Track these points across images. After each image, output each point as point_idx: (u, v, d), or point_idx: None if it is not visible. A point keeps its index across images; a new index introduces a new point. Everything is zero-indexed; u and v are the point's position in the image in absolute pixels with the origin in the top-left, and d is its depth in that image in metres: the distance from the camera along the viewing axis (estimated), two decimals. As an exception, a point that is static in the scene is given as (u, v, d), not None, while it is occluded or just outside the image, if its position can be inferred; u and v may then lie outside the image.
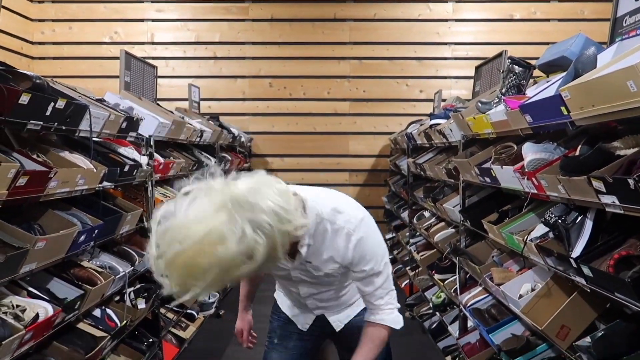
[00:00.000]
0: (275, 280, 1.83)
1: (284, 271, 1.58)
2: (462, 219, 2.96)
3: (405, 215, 4.85)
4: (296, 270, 1.53)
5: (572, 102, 1.63)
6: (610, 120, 1.53)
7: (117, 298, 2.78)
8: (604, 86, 1.45)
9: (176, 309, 3.77)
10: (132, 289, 2.85)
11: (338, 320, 1.76)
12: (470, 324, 3.00)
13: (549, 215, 1.87)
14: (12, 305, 1.84)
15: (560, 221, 1.80)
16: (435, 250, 3.89)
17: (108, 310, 2.61)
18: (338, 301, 1.73)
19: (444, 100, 4.89)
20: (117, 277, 2.50)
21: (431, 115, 4.08)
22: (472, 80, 4.31)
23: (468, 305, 2.84)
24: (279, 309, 1.86)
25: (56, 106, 1.96)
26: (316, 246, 1.42)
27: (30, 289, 2.03)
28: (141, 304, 2.86)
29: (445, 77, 5.99)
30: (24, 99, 1.74)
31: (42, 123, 1.92)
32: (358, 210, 1.47)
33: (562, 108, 1.70)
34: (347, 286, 1.72)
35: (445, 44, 5.99)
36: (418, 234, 4.42)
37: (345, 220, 1.42)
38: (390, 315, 1.53)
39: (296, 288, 1.67)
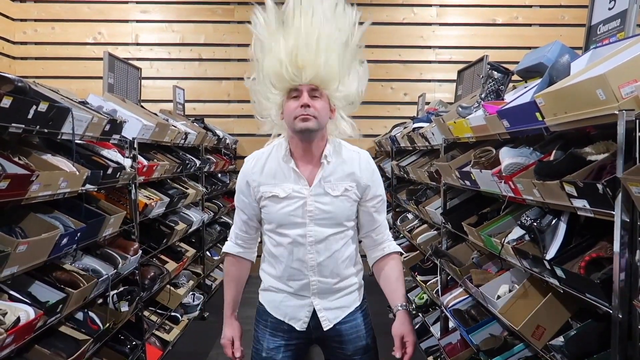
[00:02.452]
0: (263, 271, 1.75)
1: (299, 201, 1.60)
2: (444, 221, 3.01)
3: (389, 217, 4.90)
4: (312, 197, 1.61)
5: (546, 109, 1.68)
6: (583, 126, 1.59)
7: (100, 301, 2.77)
8: (576, 94, 1.50)
9: (160, 311, 3.77)
10: (115, 291, 2.85)
11: (327, 320, 1.69)
12: (451, 324, 3.05)
13: (524, 218, 1.92)
14: (-7, 309, 1.83)
15: (535, 224, 1.85)
16: (418, 252, 3.95)
17: (91, 313, 2.60)
18: (337, 267, 1.67)
19: (427, 104, 4.95)
20: (100, 280, 2.49)
21: (414, 119, 4.13)
22: (455, 84, 4.38)
23: (449, 306, 2.89)
24: (266, 314, 1.74)
25: (38, 109, 1.96)
26: (335, 164, 1.64)
27: (12, 292, 2.02)
28: (124, 307, 2.85)
29: (429, 81, 6.06)
30: (6, 102, 1.74)
31: (24, 126, 1.92)
32: None
33: (537, 114, 1.75)
34: (350, 246, 1.69)
35: (430, 47, 6.05)
36: (402, 235, 4.47)
37: (358, 148, 1.73)
38: (395, 244, 1.78)
39: (302, 231, 1.62)
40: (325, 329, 1.69)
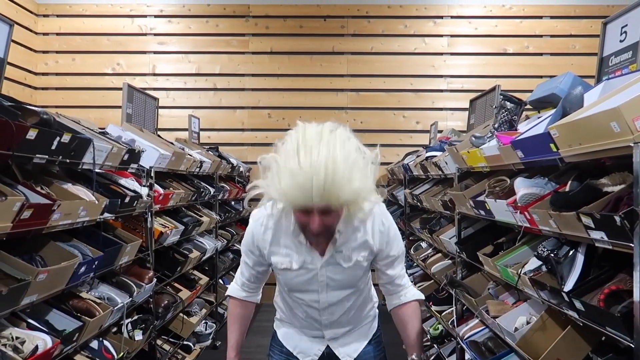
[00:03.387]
0: (277, 306, 1.79)
1: (311, 272, 1.61)
2: (458, 250, 3.00)
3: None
4: (324, 268, 1.60)
5: (561, 140, 1.69)
6: (598, 158, 1.59)
7: (115, 329, 2.78)
8: (590, 126, 1.51)
9: (172, 340, 3.75)
10: (129, 320, 2.85)
11: (347, 355, 1.73)
12: (467, 356, 2.99)
13: (541, 249, 1.91)
14: (12, 337, 1.85)
15: (552, 255, 1.84)
16: (432, 281, 3.91)
17: (105, 342, 2.61)
18: (351, 317, 1.71)
19: (440, 132, 4.98)
20: (115, 308, 2.51)
21: (427, 147, 4.15)
22: (467, 112, 4.41)
23: (465, 337, 2.84)
24: (280, 343, 1.78)
25: (62, 140, 2.02)
26: (348, 233, 1.57)
27: (30, 320, 2.04)
28: (138, 335, 2.86)
29: (441, 109, 6.10)
30: (32, 134, 1.80)
31: (47, 157, 1.97)
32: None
33: (552, 145, 1.76)
34: (363, 295, 1.72)
35: (441, 76, 6.12)
36: (415, 264, 4.43)
37: (372, 206, 1.54)
38: (414, 289, 1.75)
39: (316, 297, 1.63)
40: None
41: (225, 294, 1.87)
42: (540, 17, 6.05)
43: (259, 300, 1.83)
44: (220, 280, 5.01)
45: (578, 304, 1.62)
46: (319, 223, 1.41)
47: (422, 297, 1.78)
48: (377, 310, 1.82)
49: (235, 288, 1.79)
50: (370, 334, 1.78)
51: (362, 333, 1.77)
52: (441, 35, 6.11)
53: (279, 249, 1.61)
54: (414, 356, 1.69)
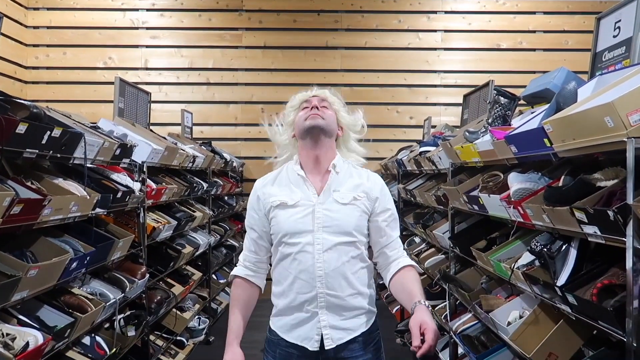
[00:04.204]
0: (274, 293, 1.72)
1: (307, 209, 1.63)
2: (452, 245, 3.00)
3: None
4: (321, 205, 1.64)
5: (554, 135, 1.70)
6: (591, 152, 1.59)
7: (107, 325, 2.76)
8: (584, 121, 1.51)
9: (166, 335, 3.74)
10: (122, 315, 2.84)
11: (331, 339, 1.62)
12: (461, 350, 3.01)
13: (534, 244, 1.92)
14: (2, 334, 1.83)
15: (545, 250, 1.85)
16: (425, 276, 3.92)
17: (97, 338, 2.59)
18: (346, 280, 1.63)
19: (433, 127, 4.99)
20: (107, 304, 2.49)
21: (421, 143, 4.16)
22: (460, 108, 4.41)
23: (458, 331, 2.86)
24: (274, 344, 1.71)
25: (52, 135, 1.99)
26: (344, 176, 1.70)
27: (21, 316, 2.02)
28: (131, 331, 2.84)
29: (434, 104, 6.10)
30: (21, 128, 1.78)
31: (37, 151, 1.95)
32: None
33: (545, 140, 1.77)
34: (359, 260, 1.67)
35: (435, 71, 6.12)
36: (408, 259, 4.44)
37: (366, 170, 1.78)
38: (409, 258, 1.75)
39: (311, 238, 1.61)
40: (326, 347, 1.63)
41: (229, 276, 1.86)
42: (534, 13, 6.05)
43: (263, 287, 1.79)
44: (214, 276, 5.00)
45: (571, 299, 1.63)
46: (318, 102, 1.70)
47: (418, 267, 1.80)
48: (374, 310, 1.73)
49: (237, 268, 1.79)
50: (361, 329, 1.67)
51: (354, 324, 1.66)
52: (435, 31, 6.11)
53: (277, 189, 1.71)
54: (416, 302, 1.55)
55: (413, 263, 1.73)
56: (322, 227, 1.63)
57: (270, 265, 1.78)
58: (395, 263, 1.73)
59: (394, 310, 4.89)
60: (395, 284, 1.71)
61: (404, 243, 4.47)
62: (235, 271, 1.78)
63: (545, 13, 6.04)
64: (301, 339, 1.66)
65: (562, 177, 1.86)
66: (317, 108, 1.68)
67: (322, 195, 1.67)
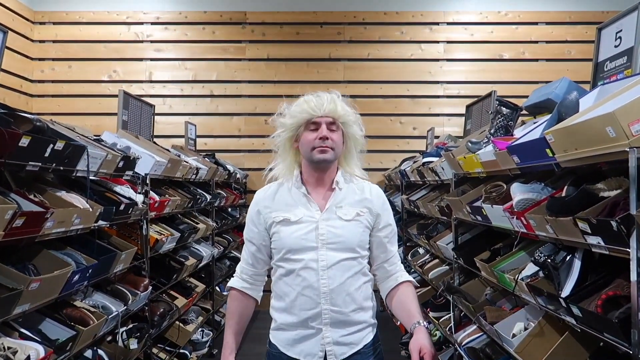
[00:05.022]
0: (273, 307, 1.70)
1: (310, 225, 1.63)
2: (455, 256, 2.98)
3: (400, 251, 4.85)
4: (324, 221, 1.64)
5: (556, 145, 1.69)
6: (594, 162, 1.58)
7: (109, 338, 2.75)
8: (585, 131, 1.51)
9: (169, 348, 3.72)
10: (124, 328, 2.83)
11: (334, 355, 1.62)
12: (465, 363, 2.97)
13: (538, 255, 1.90)
14: (3, 347, 1.83)
15: (549, 261, 1.83)
16: (430, 287, 3.89)
17: (100, 351, 2.58)
18: (349, 295, 1.63)
19: (436, 137, 4.98)
20: (109, 317, 2.48)
21: (424, 153, 4.15)
22: (463, 118, 4.41)
23: (463, 344, 2.83)
24: (275, 356, 1.69)
25: (55, 147, 2.00)
26: (347, 191, 1.69)
27: (22, 330, 2.02)
28: (133, 344, 2.83)
29: (437, 115, 6.11)
30: (24, 141, 1.79)
31: (40, 164, 1.96)
32: None
33: (547, 150, 1.76)
34: (362, 275, 1.67)
35: (438, 82, 6.13)
36: (413, 270, 4.42)
37: (367, 182, 1.78)
38: (407, 274, 1.76)
39: (314, 255, 1.61)
40: None
41: (226, 287, 1.84)
42: (536, 23, 6.07)
43: (259, 299, 1.78)
44: (217, 288, 4.98)
45: (575, 310, 1.61)
46: (327, 129, 1.63)
47: (416, 283, 1.79)
48: (375, 322, 1.73)
49: (234, 279, 1.78)
50: (363, 342, 1.66)
51: (356, 338, 1.66)
52: (437, 42, 6.13)
53: (279, 205, 1.69)
54: (416, 323, 1.58)
55: (411, 279, 1.76)
56: (326, 243, 1.63)
57: (269, 277, 1.77)
58: (393, 278, 1.74)
59: (399, 323, 4.85)
60: (393, 300, 1.73)
61: (407, 254, 4.47)
62: (232, 283, 1.77)
63: (547, 23, 6.06)
64: (304, 355, 1.65)
65: (565, 187, 1.84)
66: (327, 138, 1.62)
67: (325, 212, 1.66)
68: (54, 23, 6.07)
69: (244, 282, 1.75)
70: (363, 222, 1.67)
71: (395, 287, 1.72)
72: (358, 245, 1.66)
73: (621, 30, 2.12)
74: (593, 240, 1.51)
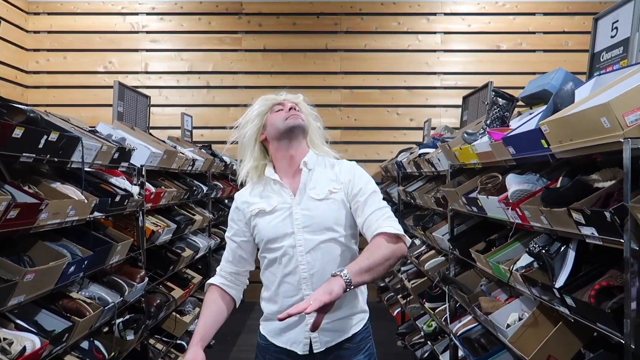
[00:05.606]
0: (263, 296, 1.69)
1: (286, 212, 1.61)
2: (451, 247, 2.99)
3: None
4: (298, 205, 1.62)
5: (552, 136, 1.69)
6: (589, 153, 1.59)
7: (106, 329, 2.76)
8: (580, 121, 1.50)
9: (165, 339, 3.73)
10: (120, 319, 2.83)
11: (319, 342, 1.59)
12: (461, 353, 2.99)
13: (533, 246, 1.91)
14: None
15: (544, 251, 1.83)
16: (426, 278, 3.91)
17: (96, 342, 2.59)
18: (342, 309, 1.60)
19: (433, 129, 4.98)
20: (106, 308, 2.49)
21: (420, 145, 4.15)
22: (460, 109, 4.41)
23: (458, 334, 2.84)
24: (264, 350, 1.68)
25: (49, 139, 1.99)
26: (318, 172, 1.67)
27: (18, 321, 2.02)
28: (130, 335, 2.83)
29: (434, 106, 6.10)
30: (18, 132, 1.78)
31: (34, 155, 1.95)
32: None
33: (543, 141, 1.76)
34: (345, 255, 1.61)
35: (435, 73, 6.11)
36: (409, 261, 4.43)
37: (339, 159, 1.75)
38: (389, 223, 1.55)
39: (292, 241, 1.57)
40: (315, 351, 1.60)
41: (205, 283, 1.79)
42: (534, 14, 6.04)
43: (238, 300, 1.74)
44: (214, 279, 4.99)
45: (569, 300, 1.62)
46: (292, 102, 1.69)
47: (394, 229, 1.53)
48: (367, 310, 1.69)
49: (213, 277, 1.75)
50: (352, 331, 1.62)
51: (343, 325, 1.62)
52: (435, 32, 6.10)
53: (255, 198, 1.69)
54: (336, 271, 1.41)
55: (387, 230, 1.53)
56: (302, 227, 1.60)
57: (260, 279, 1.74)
58: (370, 231, 1.57)
59: (395, 313, 4.88)
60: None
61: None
62: (211, 280, 1.74)
63: (545, 14, 6.03)
64: (290, 343, 1.63)
65: (560, 178, 1.85)
66: (295, 109, 1.68)
67: (297, 195, 1.63)
68: (49, 13, 6.01)
69: (222, 278, 1.72)
70: (337, 198, 1.62)
71: (370, 241, 1.55)
72: (335, 223, 1.60)
73: (617, 21, 2.11)
74: (587, 231, 1.51)
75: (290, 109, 1.67)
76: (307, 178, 1.66)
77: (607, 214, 1.37)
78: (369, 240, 1.56)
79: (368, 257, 1.46)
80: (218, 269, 1.76)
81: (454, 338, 2.92)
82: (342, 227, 1.62)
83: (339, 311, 1.60)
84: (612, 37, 2.15)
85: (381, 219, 1.57)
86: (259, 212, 1.65)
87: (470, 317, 2.85)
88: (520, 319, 2.15)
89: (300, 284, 1.59)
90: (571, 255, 1.76)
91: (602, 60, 2.20)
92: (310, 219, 1.60)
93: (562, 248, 1.81)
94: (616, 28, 2.12)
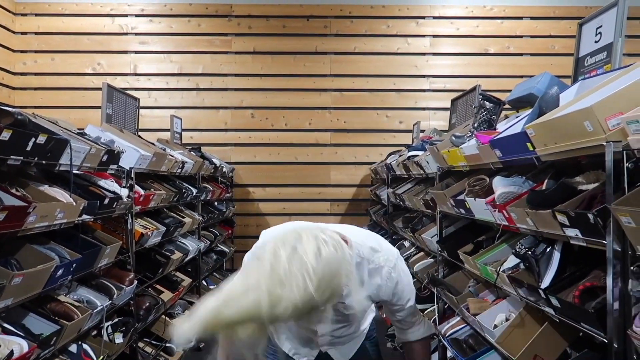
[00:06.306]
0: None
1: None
2: (440, 249, 3.02)
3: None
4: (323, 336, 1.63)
5: (537, 139, 1.72)
6: (573, 156, 1.61)
7: (95, 332, 2.74)
8: (564, 125, 1.53)
9: (155, 342, 3.72)
10: (109, 322, 2.82)
11: (340, 355, 1.72)
12: (449, 354, 3.01)
13: (519, 247, 1.93)
14: (-14, 342, 1.81)
15: (529, 253, 1.86)
16: (415, 280, 3.93)
17: (85, 346, 2.57)
18: (351, 335, 1.70)
19: (422, 131, 5.02)
20: (94, 311, 2.47)
21: (409, 147, 4.18)
22: (449, 112, 4.45)
23: (447, 335, 2.87)
24: (274, 346, 1.73)
25: (37, 141, 1.98)
26: (352, 287, 1.38)
27: (5, 325, 2.00)
28: (119, 339, 2.82)
29: (423, 109, 6.14)
30: (5, 135, 1.77)
31: (22, 158, 1.94)
32: (392, 248, 1.55)
33: (528, 144, 1.79)
34: (365, 320, 1.73)
35: (424, 76, 6.16)
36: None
37: (384, 259, 1.47)
38: (424, 325, 1.71)
39: (314, 327, 1.59)
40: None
41: None
42: (521, 18, 6.12)
43: None
44: (204, 282, 4.98)
45: (554, 301, 1.64)
46: None
47: (432, 331, 1.76)
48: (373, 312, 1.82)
49: None
50: (363, 337, 1.78)
51: (358, 339, 1.77)
52: (423, 36, 6.15)
53: None
54: None
55: (426, 334, 1.72)
56: (324, 321, 1.50)
57: None
58: (405, 332, 1.72)
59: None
60: (405, 350, 1.78)
61: (393, 246, 4.49)
62: None
63: (532, 18, 6.11)
64: (293, 352, 1.71)
65: (546, 180, 1.88)
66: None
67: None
68: (36, 14, 5.97)
69: None
70: (366, 309, 1.69)
71: (409, 343, 1.74)
72: (355, 330, 1.69)
73: (601, 26, 2.15)
74: (571, 232, 1.54)
75: None
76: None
77: (591, 216, 1.40)
78: (400, 328, 1.71)
79: None
80: None
81: (442, 339, 2.94)
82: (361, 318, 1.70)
83: (354, 341, 1.72)
84: (596, 42, 2.19)
85: (413, 318, 1.67)
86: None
87: (458, 319, 2.87)
88: (507, 320, 2.18)
89: (316, 338, 1.65)
90: (556, 256, 1.79)
91: (586, 64, 2.25)
92: (336, 316, 1.48)
93: (548, 249, 1.84)
94: (600, 33, 2.16)
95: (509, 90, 2.79)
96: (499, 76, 5.95)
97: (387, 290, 1.51)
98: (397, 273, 1.50)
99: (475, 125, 2.53)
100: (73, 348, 2.51)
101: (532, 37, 6.10)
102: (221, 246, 5.63)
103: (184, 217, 4.29)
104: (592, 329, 1.48)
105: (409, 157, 3.81)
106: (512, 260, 2.07)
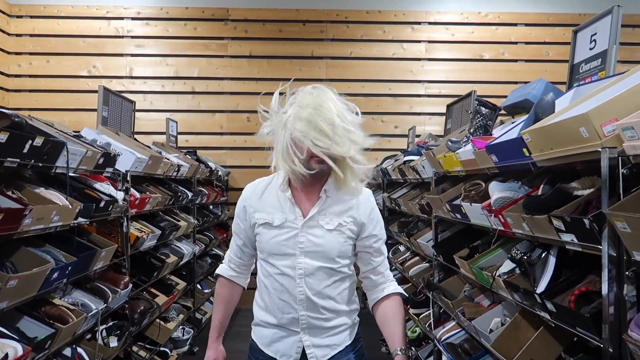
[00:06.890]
0: (256, 301, 1.72)
1: (291, 232, 1.60)
2: (435, 254, 3.03)
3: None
4: (305, 229, 1.61)
5: (533, 145, 1.73)
6: (569, 162, 1.63)
7: (89, 336, 2.73)
8: (560, 131, 1.55)
9: (149, 346, 3.70)
10: (104, 326, 2.80)
11: (315, 357, 1.64)
12: (444, 358, 3.02)
13: (515, 252, 1.95)
14: (-20, 346, 1.80)
15: (525, 257, 1.88)
16: (410, 284, 3.94)
17: (79, 349, 2.55)
18: (328, 303, 1.64)
19: (418, 136, 5.04)
20: (89, 314, 2.46)
21: (405, 152, 4.20)
22: (444, 117, 4.47)
23: (442, 339, 2.87)
24: (257, 351, 1.71)
25: (34, 144, 1.98)
26: (334, 199, 1.63)
27: (0, 328, 1.99)
28: (113, 342, 2.81)
29: (419, 114, 6.17)
30: (2, 137, 1.76)
31: (19, 160, 1.93)
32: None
33: (524, 150, 1.80)
34: (343, 284, 1.66)
35: (419, 81, 6.19)
36: (394, 268, 4.46)
37: (362, 186, 1.67)
38: (396, 284, 1.74)
39: (292, 262, 1.60)
40: None
41: (215, 273, 1.85)
42: (515, 25, 6.17)
43: (246, 285, 1.83)
44: (198, 285, 4.96)
45: (550, 306, 1.65)
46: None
47: (404, 293, 1.77)
48: (358, 319, 1.75)
49: (222, 267, 1.82)
50: (345, 342, 1.69)
51: (337, 339, 1.68)
52: (419, 41, 6.19)
53: (264, 206, 1.67)
54: (397, 350, 1.63)
55: (398, 290, 1.73)
56: (305, 252, 1.61)
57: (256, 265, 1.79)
58: (379, 289, 1.73)
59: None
60: (377, 313, 1.73)
61: (388, 251, 4.51)
62: (220, 270, 1.82)
63: (526, 25, 6.16)
64: (280, 354, 1.68)
65: (541, 186, 1.89)
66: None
67: (307, 219, 1.62)
68: (32, 16, 5.95)
69: (231, 270, 1.80)
70: (345, 232, 1.63)
71: (381, 300, 1.71)
72: (338, 255, 1.64)
73: (596, 34, 2.18)
74: (567, 237, 1.56)
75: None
76: (323, 204, 1.63)
77: (586, 221, 1.41)
78: (374, 285, 1.73)
79: (402, 322, 1.70)
80: (226, 259, 1.82)
81: (438, 344, 2.95)
82: (343, 259, 1.66)
83: (332, 330, 1.67)
84: (590, 49, 2.21)
85: (388, 273, 1.74)
86: (264, 224, 1.65)
87: (453, 323, 2.88)
88: (502, 324, 2.19)
89: (296, 303, 1.63)
90: (552, 261, 1.80)
91: (581, 71, 2.27)
92: (315, 246, 1.62)
93: (543, 254, 1.85)
94: (594, 40, 2.18)
95: (504, 96, 2.82)
96: (493, 82, 5.98)
97: (366, 210, 1.66)
98: (373, 199, 1.73)
99: (472, 130, 2.54)
100: (67, 352, 2.50)
101: (526, 43, 6.15)
102: (216, 250, 5.62)
103: (179, 221, 4.28)
104: (588, 334, 1.49)
105: (404, 162, 3.83)
106: (507, 265, 2.09)
